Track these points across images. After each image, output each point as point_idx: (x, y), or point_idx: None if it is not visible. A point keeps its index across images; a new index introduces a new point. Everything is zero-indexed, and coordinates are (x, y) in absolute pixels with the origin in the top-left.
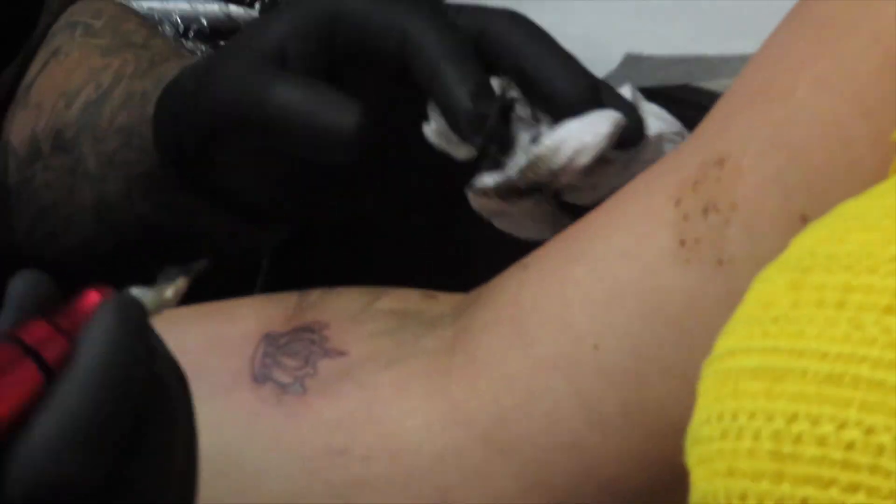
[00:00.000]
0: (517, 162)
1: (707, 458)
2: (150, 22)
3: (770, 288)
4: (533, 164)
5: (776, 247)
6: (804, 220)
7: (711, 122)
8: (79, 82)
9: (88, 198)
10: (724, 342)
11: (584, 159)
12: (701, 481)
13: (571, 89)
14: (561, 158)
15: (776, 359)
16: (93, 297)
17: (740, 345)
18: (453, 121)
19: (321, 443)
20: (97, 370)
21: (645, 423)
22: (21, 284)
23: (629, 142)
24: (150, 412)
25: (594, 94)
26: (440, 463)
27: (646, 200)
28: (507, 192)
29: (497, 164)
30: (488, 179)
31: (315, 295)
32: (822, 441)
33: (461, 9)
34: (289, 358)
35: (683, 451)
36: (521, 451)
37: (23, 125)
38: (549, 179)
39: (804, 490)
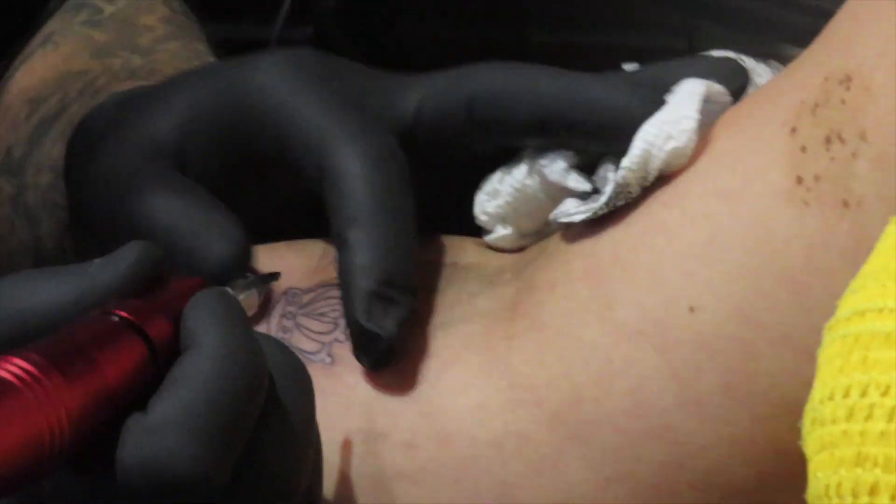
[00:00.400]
0: (605, 192)
1: (829, 443)
2: (186, 20)
3: None
4: (622, 191)
5: None
6: None
7: (835, 33)
8: (50, 88)
9: (26, 239)
10: (850, 301)
11: (682, 159)
12: (822, 471)
13: (617, 114)
14: (653, 172)
15: None
16: (188, 282)
17: (871, 304)
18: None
19: (354, 425)
20: (222, 357)
21: (751, 402)
22: (131, 254)
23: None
24: (271, 404)
25: (643, 97)
26: (499, 451)
27: (753, 129)
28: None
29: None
30: (575, 216)
31: None
32: None
33: (433, 82)
34: (313, 320)
35: (799, 435)
36: (599, 438)
37: None
38: (640, 192)
39: None
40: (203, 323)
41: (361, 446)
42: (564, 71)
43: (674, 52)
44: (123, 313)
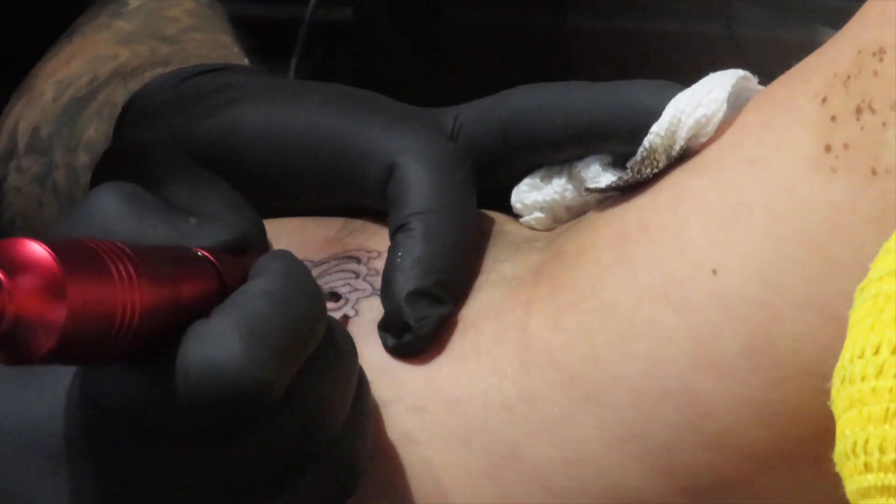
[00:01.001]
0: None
1: (859, 400)
2: (211, 12)
3: None
4: (649, 157)
5: None
6: None
7: (871, 9)
8: (76, 71)
9: (53, 218)
10: (884, 261)
11: (710, 127)
12: (849, 428)
13: (647, 113)
14: (679, 141)
15: None
16: (256, 253)
17: None
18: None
19: None
20: (280, 277)
21: (772, 366)
22: (227, 232)
23: None
24: (327, 340)
25: (671, 94)
26: (510, 413)
27: (784, 101)
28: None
29: None
30: (602, 180)
31: (364, 220)
32: None
33: (467, 111)
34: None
35: (819, 401)
36: (613, 397)
37: (11, 113)
38: (666, 164)
39: None
40: (270, 258)
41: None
42: (591, 83)
43: (713, 37)
44: (206, 254)
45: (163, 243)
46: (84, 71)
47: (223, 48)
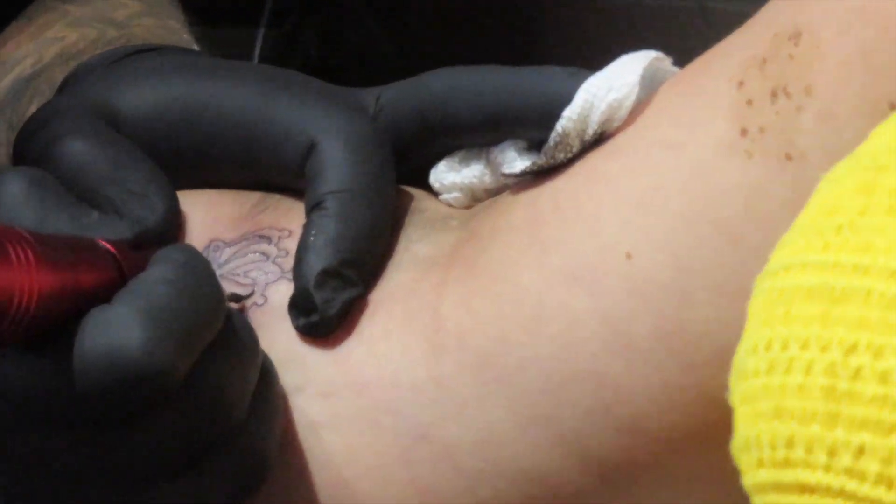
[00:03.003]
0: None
1: (751, 396)
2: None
3: (837, 190)
4: (562, 142)
5: (857, 140)
6: (893, 107)
7: None
8: (22, 52)
9: None
10: (779, 255)
11: (622, 111)
12: (743, 423)
13: (559, 99)
14: (592, 125)
15: (836, 276)
16: (156, 248)
17: (797, 259)
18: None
19: None
20: (179, 265)
21: (684, 350)
22: (128, 230)
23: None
24: (226, 332)
25: (582, 80)
26: (419, 395)
27: (700, 83)
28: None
29: None
30: (517, 165)
31: (280, 196)
32: (884, 377)
33: (386, 93)
34: (231, 282)
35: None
36: (523, 379)
37: None
38: (580, 149)
39: (861, 436)
40: (170, 248)
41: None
42: (507, 67)
43: (685, 11)
44: (107, 245)
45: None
46: (29, 52)
47: (172, 34)
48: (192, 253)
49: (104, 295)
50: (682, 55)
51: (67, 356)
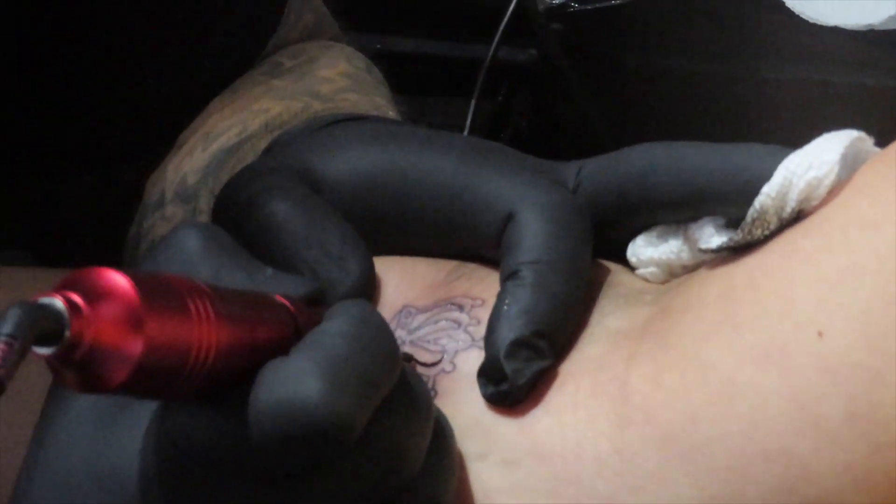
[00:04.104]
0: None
1: None
2: (368, 76)
3: None
4: (759, 219)
5: None
6: None
7: None
8: (227, 123)
9: None
10: None
11: (822, 189)
12: None
13: (762, 178)
14: (790, 203)
15: None
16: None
17: None
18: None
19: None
20: (356, 320)
21: (873, 432)
22: (300, 288)
23: None
24: (401, 383)
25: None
26: (602, 467)
27: None
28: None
29: None
30: (714, 241)
31: (475, 265)
32: None
33: (587, 166)
34: (421, 350)
35: None
36: (710, 457)
37: (163, 168)
38: (778, 226)
39: None
40: (345, 303)
41: (459, 468)
42: (707, 143)
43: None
44: (282, 299)
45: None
46: (234, 123)
47: (377, 109)
48: (367, 307)
49: (280, 350)
50: (883, 136)
51: (244, 408)
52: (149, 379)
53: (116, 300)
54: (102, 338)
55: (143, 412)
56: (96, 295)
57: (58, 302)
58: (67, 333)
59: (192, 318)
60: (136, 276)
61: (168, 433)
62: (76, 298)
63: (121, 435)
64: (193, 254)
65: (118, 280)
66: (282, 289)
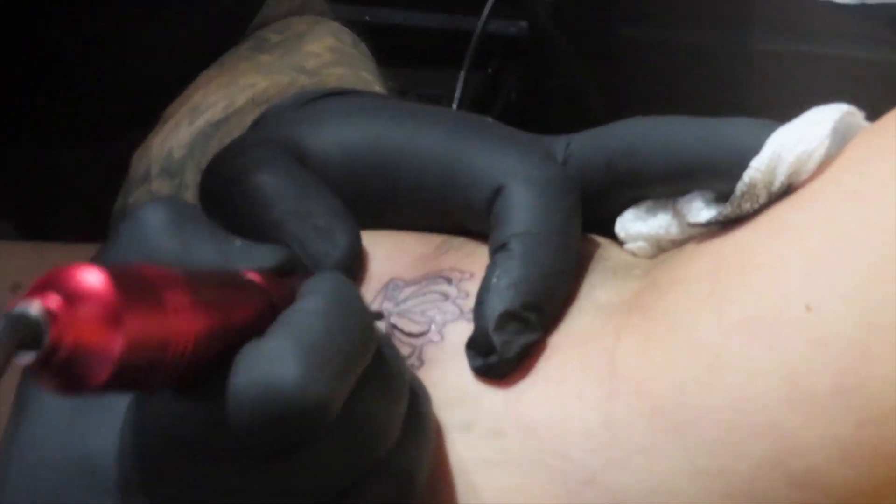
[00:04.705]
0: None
1: None
2: (355, 51)
3: None
4: (748, 192)
5: None
6: None
7: None
8: (213, 98)
9: None
10: None
11: (811, 163)
12: None
13: (751, 151)
14: (779, 177)
15: None
16: (304, 274)
17: None
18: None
19: (438, 420)
20: (330, 297)
21: (861, 405)
22: (272, 257)
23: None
24: (377, 359)
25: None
26: (589, 439)
27: (889, 137)
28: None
29: None
30: (703, 215)
31: (464, 238)
32: None
33: (575, 141)
34: (408, 321)
35: None
36: (699, 430)
37: (149, 143)
38: (767, 200)
39: None
40: (319, 278)
41: (444, 438)
42: (696, 118)
43: (879, 65)
44: (255, 276)
45: (207, 264)
46: (221, 97)
47: (364, 84)
48: (342, 280)
49: (256, 329)
50: (875, 110)
51: (221, 393)
52: (130, 376)
53: (94, 300)
54: (82, 340)
55: (120, 398)
56: (74, 296)
57: (35, 309)
58: (46, 340)
59: (170, 312)
60: (112, 273)
61: (145, 419)
62: (54, 301)
63: (97, 422)
64: (158, 230)
65: (95, 279)
66: (253, 261)
